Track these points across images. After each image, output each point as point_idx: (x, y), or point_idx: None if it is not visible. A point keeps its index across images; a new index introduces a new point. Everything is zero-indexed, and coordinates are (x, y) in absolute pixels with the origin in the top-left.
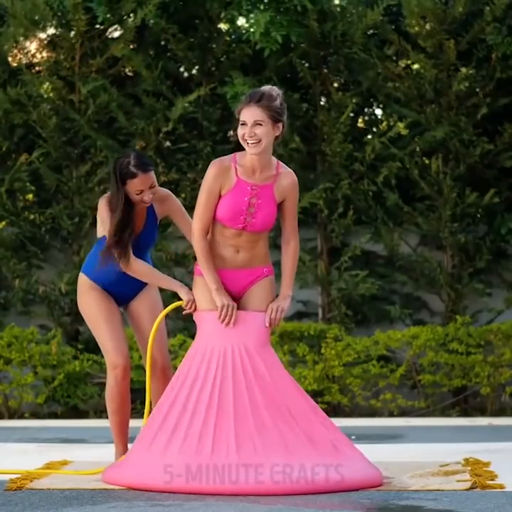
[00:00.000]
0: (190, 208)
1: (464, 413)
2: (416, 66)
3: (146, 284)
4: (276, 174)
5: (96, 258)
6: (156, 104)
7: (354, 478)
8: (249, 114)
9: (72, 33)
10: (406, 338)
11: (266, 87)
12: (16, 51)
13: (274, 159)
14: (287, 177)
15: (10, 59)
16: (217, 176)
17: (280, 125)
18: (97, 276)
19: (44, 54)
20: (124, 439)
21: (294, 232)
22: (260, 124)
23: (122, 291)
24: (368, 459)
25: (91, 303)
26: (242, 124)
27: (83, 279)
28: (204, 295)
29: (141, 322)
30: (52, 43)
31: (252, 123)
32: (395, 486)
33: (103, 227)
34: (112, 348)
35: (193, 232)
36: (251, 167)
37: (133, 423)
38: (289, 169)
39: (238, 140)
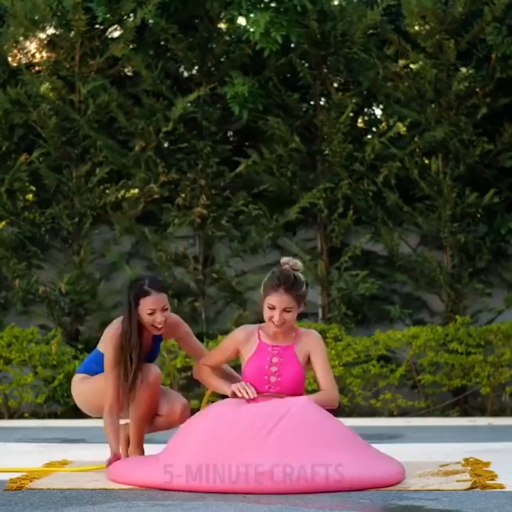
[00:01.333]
0: (189, 207)
1: (464, 413)
2: (416, 66)
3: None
4: (296, 336)
5: (91, 365)
6: (156, 104)
7: (354, 478)
8: (278, 301)
9: (72, 33)
10: (406, 338)
11: (291, 273)
12: (15, 51)
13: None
14: (308, 335)
15: (10, 59)
16: (237, 338)
17: (303, 304)
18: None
19: (44, 54)
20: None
21: (329, 387)
22: (289, 311)
23: None
24: (379, 460)
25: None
26: (269, 308)
27: (79, 377)
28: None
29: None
30: (52, 43)
31: (281, 310)
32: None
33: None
34: None
35: (200, 364)
36: (273, 333)
37: None
38: (309, 329)
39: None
